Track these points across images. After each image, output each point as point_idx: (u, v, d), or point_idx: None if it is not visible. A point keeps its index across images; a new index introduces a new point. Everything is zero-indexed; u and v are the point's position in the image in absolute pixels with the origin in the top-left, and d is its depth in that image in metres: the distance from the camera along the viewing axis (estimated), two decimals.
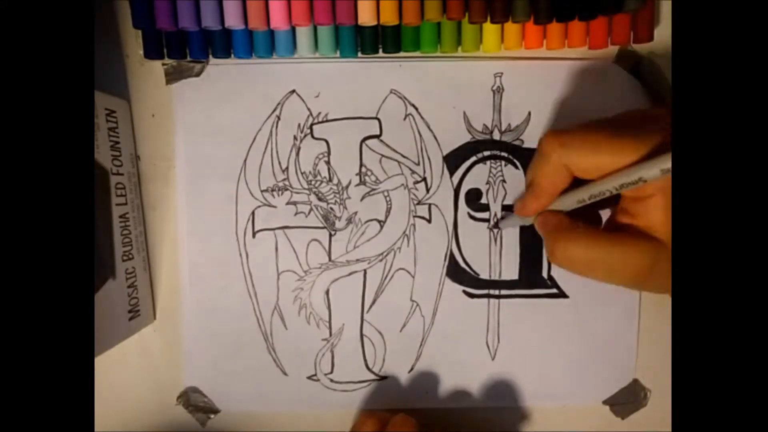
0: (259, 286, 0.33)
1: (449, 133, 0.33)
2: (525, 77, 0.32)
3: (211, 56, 0.31)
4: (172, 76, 0.32)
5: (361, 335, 0.33)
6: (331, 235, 0.33)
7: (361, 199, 0.33)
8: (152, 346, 0.33)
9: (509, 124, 0.33)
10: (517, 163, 0.33)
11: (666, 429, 0.34)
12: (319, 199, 0.33)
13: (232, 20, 0.29)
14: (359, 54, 0.31)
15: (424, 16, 0.29)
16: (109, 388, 0.34)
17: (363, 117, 0.32)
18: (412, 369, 0.34)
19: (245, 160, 0.32)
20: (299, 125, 0.32)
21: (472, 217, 0.33)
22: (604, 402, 0.34)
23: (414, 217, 0.33)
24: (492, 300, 0.33)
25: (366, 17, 0.29)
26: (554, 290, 0.33)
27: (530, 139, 0.32)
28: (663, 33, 0.31)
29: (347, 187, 0.33)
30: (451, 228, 0.33)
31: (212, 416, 0.34)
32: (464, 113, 0.32)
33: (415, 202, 0.33)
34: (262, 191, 0.33)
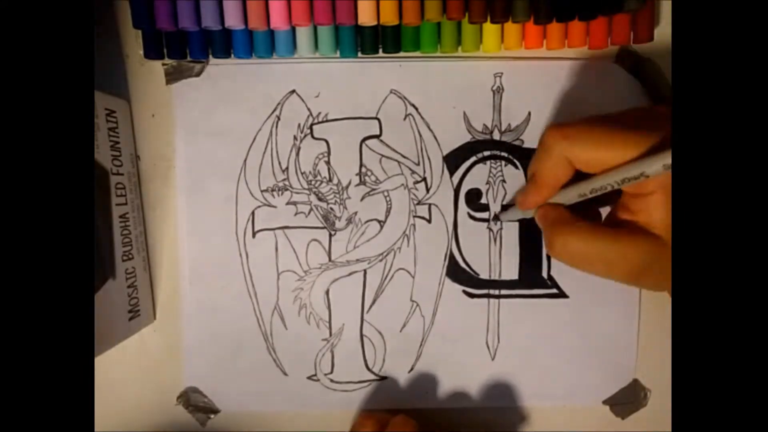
0: (259, 286, 0.33)
1: (449, 133, 0.33)
2: (525, 77, 0.32)
3: (211, 56, 0.32)
4: (172, 76, 0.32)
5: (361, 335, 0.33)
6: (331, 235, 0.33)
7: (361, 199, 0.33)
8: (152, 346, 0.33)
9: (509, 124, 0.33)
10: (517, 163, 0.33)
11: (666, 429, 0.34)
12: (319, 199, 0.33)
13: (232, 20, 0.29)
14: (359, 54, 0.31)
15: (424, 16, 0.29)
16: (109, 388, 0.34)
17: (363, 117, 0.32)
18: (412, 369, 0.34)
19: (245, 160, 0.32)
20: (299, 125, 0.32)
21: (472, 217, 0.33)
22: (604, 402, 0.34)
23: (414, 217, 0.33)
24: (492, 300, 0.33)
25: (366, 17, 0.29)
26: (554, 290, 0.33)
27: (530, 139, 0.32)
28: (663, 33, 0.31)
29: (347, 187, 0.33)
30: (451, 228, 0.33)
31: (212, 416, 0.34)
32: (464, 113, 0.32)
33: (415, 202, 0.33)
34: (262, 191, 0.33)
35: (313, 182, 0.33)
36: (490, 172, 0.33)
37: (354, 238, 0.33)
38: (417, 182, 0.33)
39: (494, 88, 0.32)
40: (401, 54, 0.32)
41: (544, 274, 0.33)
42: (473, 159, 0.33)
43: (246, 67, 0.32)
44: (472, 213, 0.33)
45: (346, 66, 0.32)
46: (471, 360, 0.33)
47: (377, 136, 0.33)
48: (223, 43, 0.31)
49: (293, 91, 0.32)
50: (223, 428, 0.34)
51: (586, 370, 0.34)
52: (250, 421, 0.34)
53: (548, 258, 0.33)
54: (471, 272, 0.33)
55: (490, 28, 0.31)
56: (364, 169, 0.33)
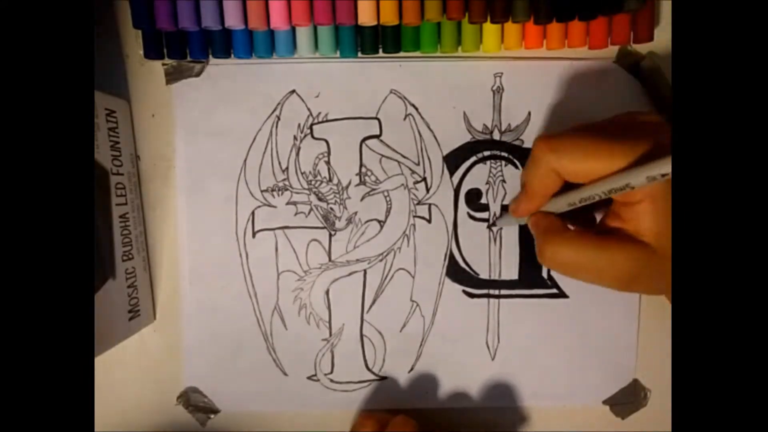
0: (259, 286, 0.33)
1: (449, 133, 0.33)
2: (525, 77, 0.32)
3: (211, 56, 0.32)
4: (172, 76, 0.32)
5: (361, 335, 0.33)
6: (331, 235, 0.33)
7: (361, 199, 0.33)
8: (152, 346, 0.33)
9: (509, 124, 0.33)
10: (517, 163, 0.33)
11: (666, 429, 0.34)
12: (319, 199, 0.33)
13: (232, 20, 0.29)
14: (359, 54, 0.31)
15: (424, 16, 0.29)
16: (109, 388, 0.34)
17: (363, 117, 0.32)
18: (412, 369, 0.34)
19: (245, 160, 0.32)
20: (299, 125, 0.32)
21: (472, 217, 0.33)
22: (604, 402, 0.34)
23: (414, 217, 0.33)
24: (492, 300, 0.33)
25: (366, 17, 0.29)
26: (554, 290, 0.33)
27: (530, 139, 0.32)
28: (663, 33, 0.31)
29: (347, 187, 0.33)
30: (451, 228, 0.33)
31: (212, 416, 0.34)
32: (464, 113, 0.32)
33: (415, 202, 0.33)
34: (262, 191, 0.33)
35: (313, 182, 0.33)
36: (490, 172, 0.33)
37: (354, 238, 0.33)
38: (417, 182, 0.33)
39: (494, 88, 0.32)
40: (401, 54, 0.32)
41: (544, 274, 0.33)
42: (473, 159, 0.33)
43: (246, 67, 0.32)
44: (472, 213, 0.33)
45: (346, 66, 0.32)
46: (471, 360, 0.33)
47: (377, 136, 0.33)
48: (223, 43, 0.31)
49: (293, 91, 0.32)
50: (223, 428, 0.34)
51: (586, 370, 0.34)
52: (250, 421, 0.34)
53: None
54: (471, 272, 0.33)
55: (490, 28, 0.31)
56: (364, 169, 0.33)
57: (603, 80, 0.32)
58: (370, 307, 0.33)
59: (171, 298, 0.33)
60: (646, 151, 0.23)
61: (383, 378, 0.34)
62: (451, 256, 0.33)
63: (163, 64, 0.32)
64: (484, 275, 0.33)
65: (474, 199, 0.33)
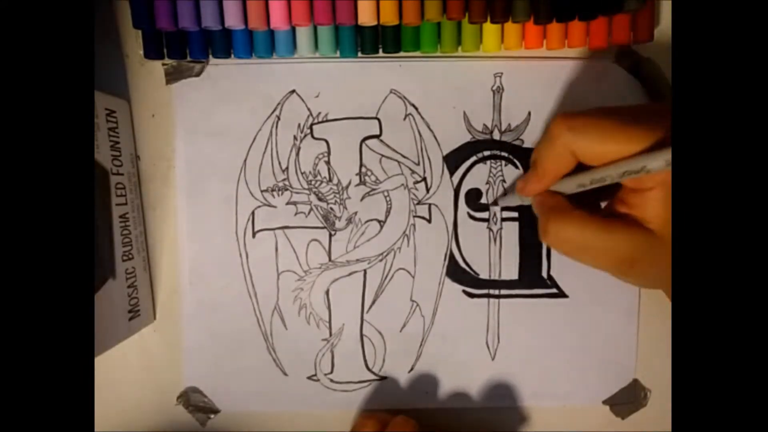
0: (259, 286, 0.33)
1: (449, 133, 0.33)
2: (525, 77, 0.32)
3: (211, 56, 0.32)
4: (172, 76, 0.32)
5: (361, 335, 0.33)
6: (331, 235, 0.33)
7: (361, 199, 0.33)
8: (152, 346, 0.33)
9: (509, 124, 0.33)
10: (517, 163, 0.33)
11: (666, 429, 0.34)
12: (319, 199, 0.33)
13: (232, 20, 0.29)
14: (359, 54, 0.31)
15: (424, 16, 0.29)
16: (109, 388, 0.34)
17: (363, 117, 0.32)
18: (412, 369, 0.34)
19: (245, 160, 0.32)
20: (299, 125, 0.32)
21: (472, 217, 0.33)
22: (604, 402, 0.34)
23: (414, 217, 0.33)
24: (492, 300, 0.33)
25: (366, 17, 0.29)
26: (554, 290, 0.33)
27: (530, 139, 0.32)
28: (663, 33, 0.31)
29: (347, 187, 0.33)
30: (451, 228, 0.33)
31: (212, 416, 0.34)
32: (464, 113, 0.32)
33: (415, 202, 0.33)
34: (262, 191, 0.33)
35: (313, 182, 0.33)
36: (490, 171, 0.33)
37: (354, 238, 0.33)
38: (417, 182, 0.33)
39: (494, 88, 0.32)
40: (401, 54, 0.32)
41: (544, 274, 0.33)
42: (473, 159, 0.33)
43: (246, 67, 0.32)
44: (472, 213, 0.33)
45: (346, 66, 0.32)
46: (471, 360, 0.33)
47: (377, 136, 0.33)
48: (223, 43, 0.31)
49: (293, 91, 0.32)
50: (223, 428, 0.34)
51: (586, 370, 0.34)
52: (250, 421, 0.34)
53: (548, 258, 0.33)
54: (471, 272, 0.33)
55: (490, 28, 0.31)
56: (364, 169, 0.33)
57: (603, 80, 0.32)
58: (370, 307, 0.33)
59: (171, 298, 0.33)
60: (664, 135, 0.23)
61: (383, 378, 0.34)
62: (451, 256, 0.33)
63: (163, 64, 0.32)
64: (484, 275, 0.33)
65: (474, 199, 0.33)
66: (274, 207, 0.33)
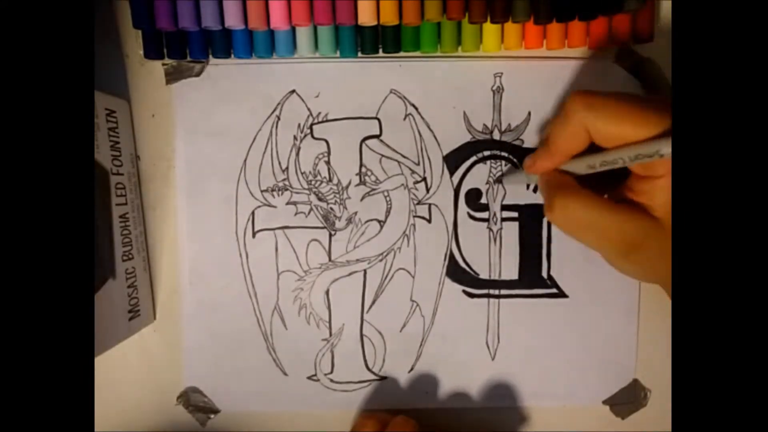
0: (259, 286, 0.33)
1: (449, 133, 0.33)
2: (525, 77, 0.32)
3: (211, 56, 0.32)
4: (172, 76, 0.32)
5: (361, 335, 0.33)
6: (331, 235, 0.33)
7: (361, 199, 0.33)
8: (152, 346, 0.33)
9: (509, 124, 0.33)
10: (517, 163, 0.33)
11: (666, 429, 0.34)
12: (319, 199, 0.33)
13: (232, 20, 0.29)
14: (359, 54, 0.31)
15: (424, 16, 0.29)
16: (109, 388, 0.34)
17: (363, 117, 0.32)
18: (412, 369, 0.34)
19: (245, 160, 0.32)
20: (299, 125, 0.32)
21: (472, 217, 0.33)
22: (604, 402, 0.34)
23: (414, 217, 0.33)
24: (492, 300, 0.33)
25: (366, 17, 0.29)
26: (554, 290, 0.33)
27: (530, 139, 0.32)
28: (663, 33, 0.31)
29: (347, 187, 0.33)
30: (451, 228, 0.33)
31: (212, 416, 0.34)
32: (464, 113, 0.32)
33: (415, 202, 0.33)
34: (262, 191, 0.33)
35: (313, 182, 0.33)
36: (490, 171, 0.33)
37: (354, 238, 0.33)
38: (417, 182, 0.33)
39: (494, 88, 0.32)
40: (401, 54, 0.32)
41: (544, 274, 0.33)
42: (473, 159, 0.33)
43: (246, 67, 0.32)
44: (472, 213, 0.33)
45: (346, 66, 0.32)
46: (471, 360, 0.33)
47: (377, 136, 0.33)
48: (223, 43, 0.31)
49: (293, 91, 0.32)
50: (223, 428, 0.34)
51: (586, 370, 0.34)
52: (250, 421, 0.34)
53: (548, 258, 0.33)
54: (471, 272, 0.33)
55: (490, 28, 0.31)
56: (364, 169, 0.33)
57: (603, 80, 0.32)
58: (370, 307, 0.33)
59: (171, 298, 0.33)
60: None
61: (383, 378, 0.34)
62: (451, 256, 0.33)
63: (163, 64, 0.32)
64: (484, 275, 0.33)
65: (474, 198, 0.33)
66: (274, 207, 0.33)
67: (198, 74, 0.32)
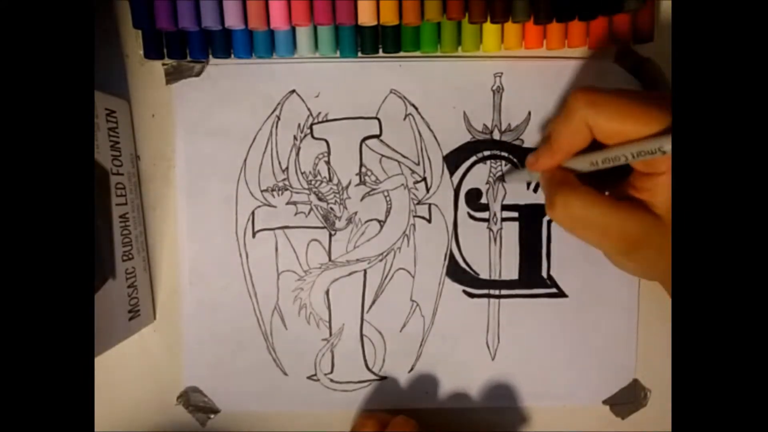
0: (259, 286, 0.33)
1: (449, 133, 0.33)
2: (525, 77, 0.32)
3: (211, 56, 0.32)
4: (172, 76, 0.32)
5: (361, 335, 0.33)
6: (331, 235, 0.33)
7: (361, 199, 0.33)
8: (152, 346, 0.33)
9: (509, 124, 0.33)
10: (517, 163, 0.33)
11: (666, 429, 0.34)
12: (319, 199, 0.33)
13: (232, 20, 0.29)
14: (359, 54, 0.31)
15: (424, 16, 0.29)
16: (109, 388, 0.34)
17: (363, 117, 0.32)
18: (412, 369, 0.34)
19: (245, 160, 0.32)
20: (299, 125, 0.32)
21: (472, 217, 0.33)
22: (604, 402, 0.34)
23: (414, 217, 0.33)
24: (492, 300, 0.33)
25: (366, 17, 0.29)
26: (554, 290, 0.33)
27: (530, 139, 0.32)
28: (663, 33, 0.31)
29: (347, 187, 0.33)
30: (451, 228, 0.33)
31: (212, 416, 0.34)
32: (464, 113, 0.32)
33: (415, 202, 0.33)
34: (262, 191, 0.33)
35: (313, 182, 0.33)
36: (490, 171, 0.33)
37: (354, 238, 0.33)
38: (417, 182, 0.33)
39: (494, 88, 0.32)
40: (401, 54, 0.32)
41: (544, 274, 0.33)
42: (473, 159, 0.33)
43: (246, 67, 0.32)
44: (472, 213, 0.33)
45: (346, 66, 0.32)
46: (471, 360, 0.33)
47: (377, 136, 0.33)
48: (223, 43, 0.31)
49: (293, 91, 0.32)
50: (223, 428, 0.34)
51: (586, 370, 0.33)
52: (250, 421, 0.34)
53: (548, 258, 0.33)
54: (471, 272, 0.33)
55: (490, 28, 0.31)
56: (364, 169, 0.33)
57: (603, 80, 0.32)
58: (370, 307, 0.33)
59: (171, 298, 0.33)
60: None
61: (383, 378, 0.34)
62: (451, 256, 0.33)
63: (163, 64, 0.32)
64: (484, 275, 0.33)
65: (474, 199, 0.33)
66: (274, 207, 0.33)
67: (198, 74, 0.32)
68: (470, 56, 0.32)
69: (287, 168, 0.33)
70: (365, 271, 0.33)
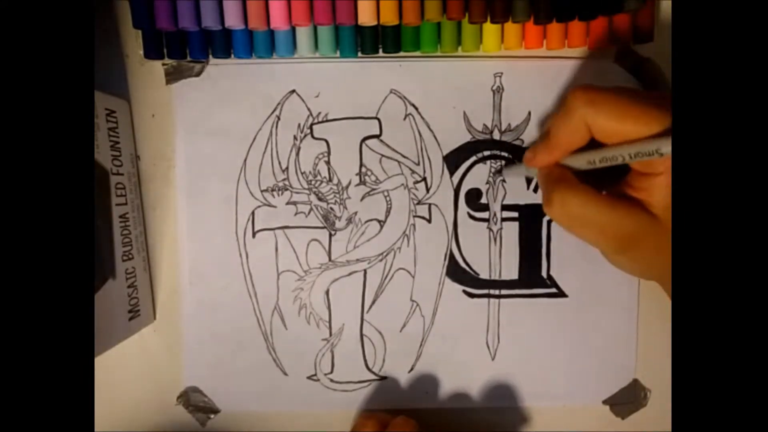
0: (259, 286, 0.33)
1: (449, 133, 0.33)
2: (525, 77, 0.32)
3: (211, 56, 0.32)
4: (172, 76, 0.32)
5: (361, 335, 0.33)
6: (331, 235, 0.33)
7: (361, 199, 0.33)
8: (152, 346, 0.33)
9: (509, 124, 0.33)
10: (517, 163, 0.33)
11: (666, 429, 0.34)
12: (319, 199, 0.33)
13: (232, 20, 0.29)
14: (359, 54, 0.31)
15: (424, 16, 0.29)
16: (109, 388, 0.34)
17: (363, 117, 0.32)
18: (412, 369, 0.34)
19: (245, 160, 0.32)
20: (299, 125, 0.32)
21: (472, 217, 0.33)
22: (604, 402, 0.34)
23: (414, 217, 0.33)
24: (492, 300, 0.33)
25: (366, 17, 0.29)
26: (554, 290, 0.33)
27: (530, 139, 0.33)
28: (663, 33, 0.31)
29: (347, 187, 0.33)
30: (451, 228, 0.33)
31: (212, 416, 0.34)
32: (464, 113, 0.32)
33: (415, 201, 0.33)
34: (262, 191, 0.33)
35: (313, 182, 0.33)
36: (490, 171, 0.33)
37: (354, 238, 0.33)
38: (417, 182, 0.33)
39: (494, 87, 0.32)
40: (401, 54, 0.32)
41: (544, 274, 0.33)
42: (473, 159, 0.33)
43: (246, 67, 0.32)
44: (472, 213, 0.33)
45: (346, 66, 0.32)
46: (471, 360, 0.33)
47: (377, 136, 0.33)
48: (223, 43, 0.31)
49: (293, 91, 0.32)
50: (223, 428, 0.34)
51: (586, 370, 0.34)
52: (250, 421, 0.34)
53: (548, 258, 0.33)
54: (471, 272, 0.33)
55: (490, 28, 0.31)
56: (364, 169, 0.33)
57: (603, 80, 0.32)
58: (370, 307, 0.33)
59: (171, 298, 0.33)
60: None
61: (383, 378, 0.34)
62: (451, 256, 0.33)
63: (163, 64, 0.32)
64: (484, 275, 0.33)
65: (474, 198, 0.33)
66: (274, 207, 0.33)
67: (198, 74, 0.32)
68: (470, 56, 0.32)
69: (287, 168, 0.33)
70: (365, 271, 0.33)
